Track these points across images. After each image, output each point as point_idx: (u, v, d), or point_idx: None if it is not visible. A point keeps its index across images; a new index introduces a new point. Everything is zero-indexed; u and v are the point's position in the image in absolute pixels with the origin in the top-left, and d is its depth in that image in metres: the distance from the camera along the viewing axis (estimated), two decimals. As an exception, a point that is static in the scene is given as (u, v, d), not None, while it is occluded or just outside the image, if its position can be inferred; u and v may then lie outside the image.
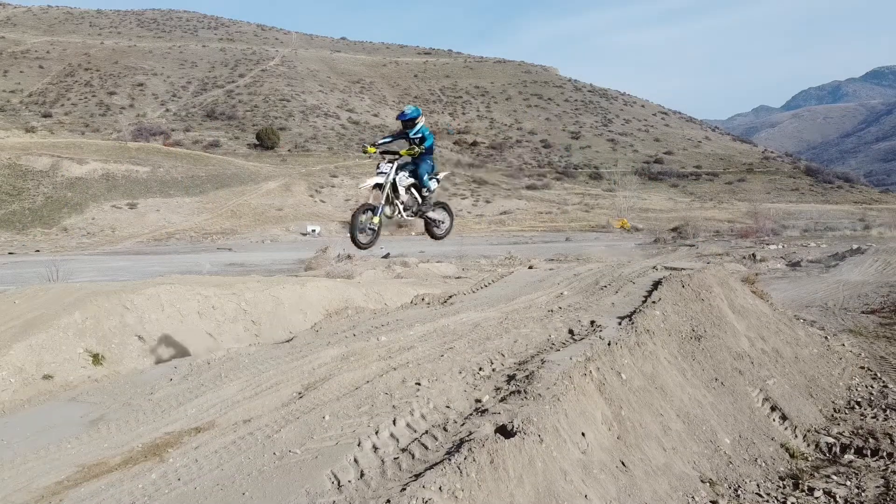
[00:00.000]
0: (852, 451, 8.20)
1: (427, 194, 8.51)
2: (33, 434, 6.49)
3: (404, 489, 4.44)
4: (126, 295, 11.79)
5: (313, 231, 62.16)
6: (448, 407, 6.05)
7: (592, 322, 9.07)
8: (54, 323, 10.66)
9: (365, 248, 8.22)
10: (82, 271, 29.58)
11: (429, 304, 11.66)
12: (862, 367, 11.82)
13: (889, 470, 7.62)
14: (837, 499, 6.91)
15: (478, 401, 6.25)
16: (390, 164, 8.03)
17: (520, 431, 5.22)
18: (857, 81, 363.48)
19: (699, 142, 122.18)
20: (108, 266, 34.89)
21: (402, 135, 8.47)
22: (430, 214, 8.85)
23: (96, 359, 10.70)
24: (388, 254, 34.75)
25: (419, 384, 6.50)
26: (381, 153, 8.17)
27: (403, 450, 5.22)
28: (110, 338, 11.09)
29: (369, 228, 7.92)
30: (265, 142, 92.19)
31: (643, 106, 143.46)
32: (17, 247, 49.80)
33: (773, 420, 8.69)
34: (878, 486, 7.19)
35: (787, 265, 31.93)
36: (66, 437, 6.17)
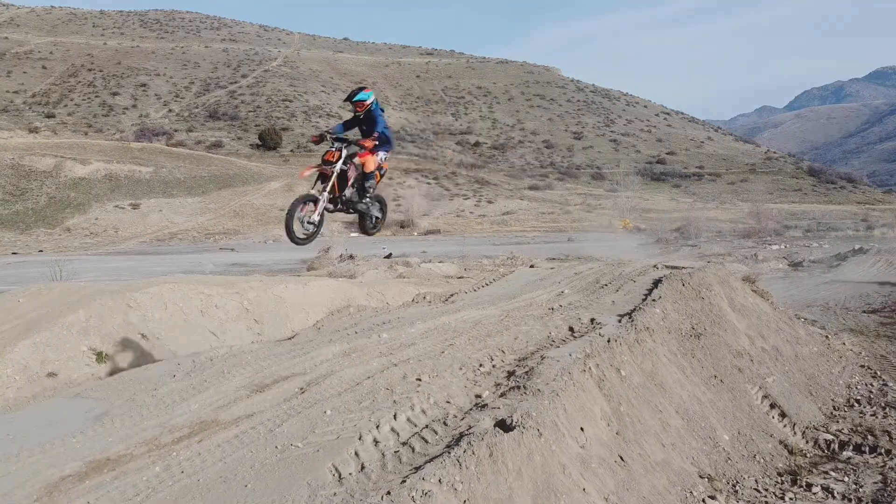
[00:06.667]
0: (851, 447, 8.25)
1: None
2: (38, 429, 6.56)
3: (404, 481, 4.51)
4: (129, 294, 11.87)
5: (316, 231, 62.19)
6: (448, 402, 6.12)
7: (592, 320, 9.13)
8: (58, 321, 10.75)
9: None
10: (85, 271, 29.67)
11: (430, 302, 11.72)
12: (862, 366, 11.87)
13: (887, 466, 7.67)
14: (835, 494, 6.96)
15: (478, 396, 6.31)
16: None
17: (519, 426, 5.28)
18: (861, 81, 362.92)
19: (702, 142, 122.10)
20: (111, 266, 35.01)
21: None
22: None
23: (100, 357, 10.78)
24: (391, 254, 34.81)
25: (420, 380, 6.57)
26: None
27: (404, 443, 5.29)
28: (114, 336, 11.17)
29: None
30: (268, 142, 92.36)
31: (646, 106, 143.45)
32: (21, 247, 49.98)
33: (773, 417, 8.75)
34: (875, 483, 7.24)
35: (789, 265, 31.90)
36: (70, 432, 6.24)
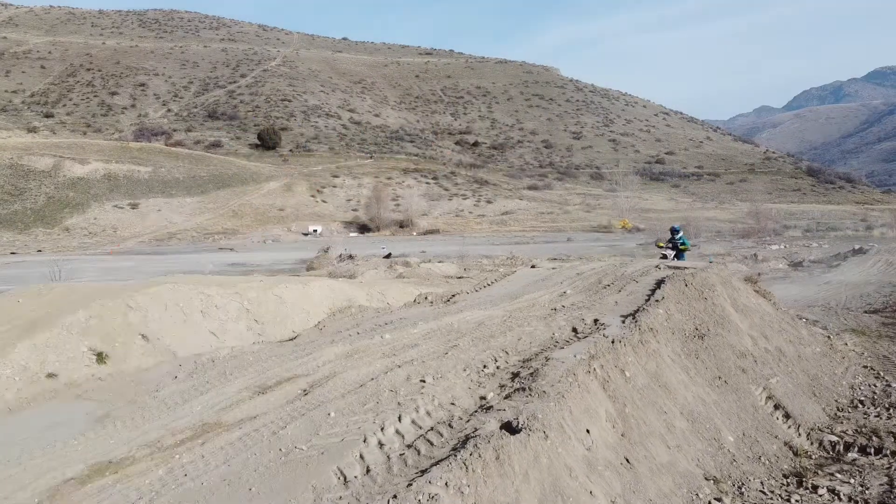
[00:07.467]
0: (856, 449, 8.21)
1: None
2: (39, 431, 6.51)
3: (410, 485, 4.46)
4: (130, 294, 11.80)
5: (315, 231, 62.40)
6: (453, 404, 6.07)
7: (596, 320, 9.08)
8: (58, 322, 10.68)
9: None
10: (85, 271, 29.64)
11: (432, 302, 11.67)
12: (865, 366, 11.82)
13: (893, 468, 7.62)
14: (841, 496, 6.91)
15: (483, 398, 6.26)
16: None
17: (525, 428, 5.24)
18: (859, 81, 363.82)
19: (701, 142, 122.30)
20: (111, 266, 34.95)
21: None
22: None
23: (100, 357, 10.71)
24: (390, 254, 34.78)
25: (424, 381, 6.52)
26: None
27: (409, 446, 5.24)
28: (114, 336, 11.11)
29: None
30: (267, 142, 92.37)
31: (645, 106, 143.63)
32: (19, 247, 49.88)
33: (777, 418, 8.70)
34: (881, 484, 7.19)
35: (788, 265, 31.90)
36: (72, 435, 6.19)
